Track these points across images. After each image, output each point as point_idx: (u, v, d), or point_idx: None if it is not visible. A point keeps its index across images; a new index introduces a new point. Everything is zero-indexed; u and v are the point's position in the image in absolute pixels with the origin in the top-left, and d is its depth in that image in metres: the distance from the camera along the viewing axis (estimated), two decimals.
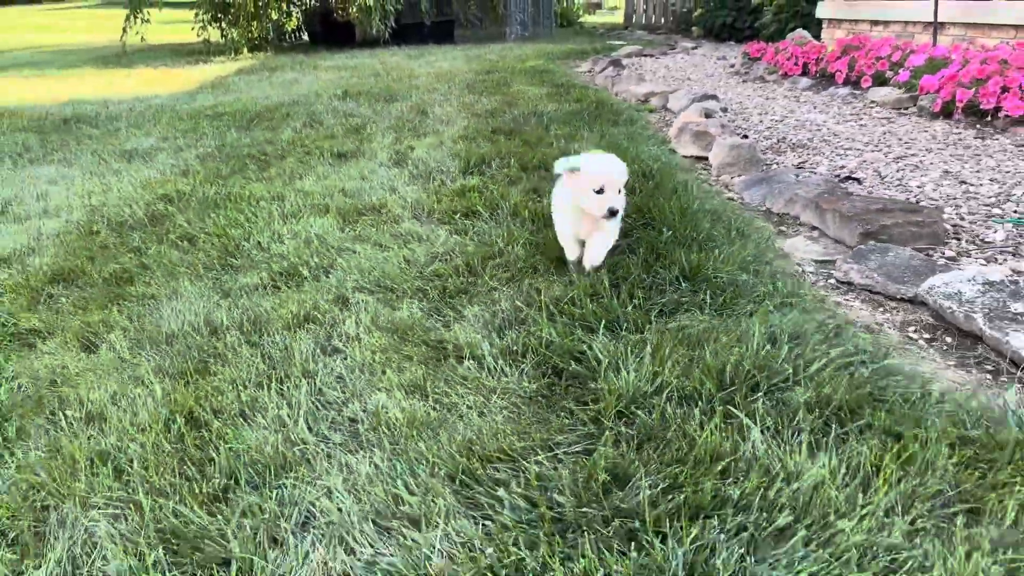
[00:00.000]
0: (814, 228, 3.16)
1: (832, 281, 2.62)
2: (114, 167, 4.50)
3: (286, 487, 1.48)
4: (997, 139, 4.65)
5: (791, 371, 1.71)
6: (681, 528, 1.28)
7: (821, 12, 8.62)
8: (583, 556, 1.23)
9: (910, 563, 1.18)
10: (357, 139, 4.71)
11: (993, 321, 2.14)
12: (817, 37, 8.60)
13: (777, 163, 4.17)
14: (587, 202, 2.26)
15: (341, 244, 2.84)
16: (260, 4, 11.22)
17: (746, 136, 4.74)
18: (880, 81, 6.26)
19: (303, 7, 12.26)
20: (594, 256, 2.35)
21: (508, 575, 1.22)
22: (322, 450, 1.59)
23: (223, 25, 11.65)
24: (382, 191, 3.52)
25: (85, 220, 3.40)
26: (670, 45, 11.75)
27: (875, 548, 1.22)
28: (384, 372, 1.87)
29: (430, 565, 1.20)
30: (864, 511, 1.28)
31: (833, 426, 1.53)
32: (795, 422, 1.54)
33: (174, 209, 3.43)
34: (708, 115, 5.10)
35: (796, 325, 1.94)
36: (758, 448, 1.46)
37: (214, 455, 1.57)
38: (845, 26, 8.14)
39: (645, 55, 10.08)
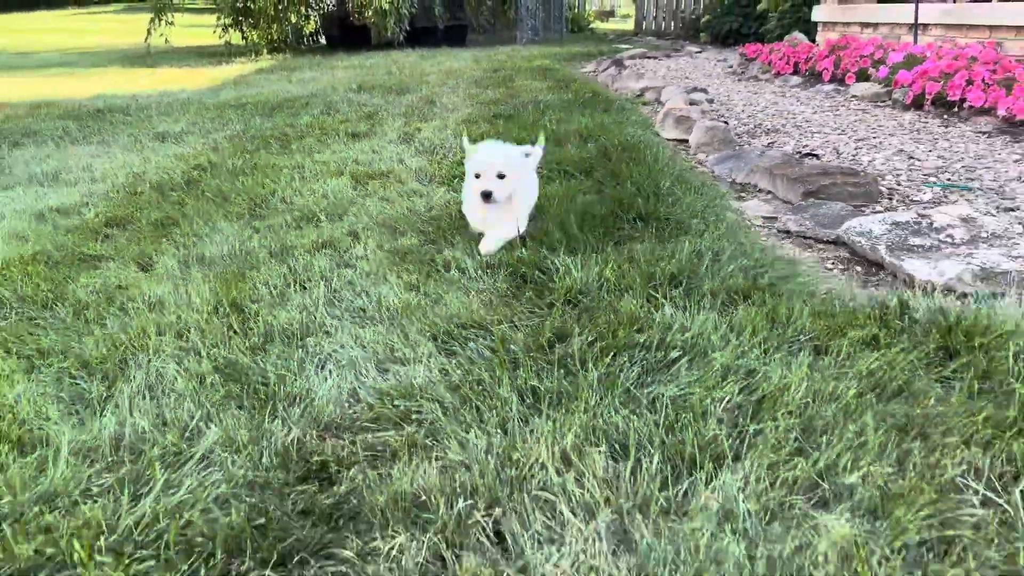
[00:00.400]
0: (769, 192, 3.65)
1: (774, 231, 3.09)
2: (149, 146, 5.05)
3: (310, 344, 1.99)
4: (959, 126, 5.11)
5: (705, 273, 2.20)
6: (599, 361, 1.78)
7: (816, 16, 9.11)
8: (525, 375, 1.73)
9: (758, 377, 1.67)
10: (369, 123, 5.25)
11: (893, 251, 2.62)
12: (813, 40, 9.09)
13: (749, 144, 4.66)
14: (468, 185, 2.57)
15: (353, 198, 3.35)
16: (280, 8, 11.86)
17: (726, 122, 5.23)
18: (863, 77, 6.73)
19: (321, 11, 12.90)
20: (487, 244, 2.54)
21: (471, 386, 1.72)
22: (337, 325, 2.10)
23: (243, 28, 12.30)
24: (390, 161, 4.04)
25: (129, 183, 3.95)
26: (675, 49, 12.27)
27: (737, 369, 1.71)
28: (386, 278, 2.37)
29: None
30: (732, 347, 1.77)
31: (727, 304, 2.02)
32: (699, 301, 2.03)
33: (207, 175, 3.97)
34: (693, 104, 5.59)
35: (719, 247, 2.42)
36: (666, 315, 1.95)
37: (253, 325, 2.08)
38: (838, 28, 8.62)
39: (648, 57, 10.59)
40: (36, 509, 1.36)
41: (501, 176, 2.47)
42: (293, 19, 12.12)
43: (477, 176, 2.48)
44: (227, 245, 2.78)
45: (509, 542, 1.29)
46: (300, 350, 1.95)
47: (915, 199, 3.38)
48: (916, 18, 6.98)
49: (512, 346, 1.88)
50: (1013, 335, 1.79)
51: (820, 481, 1.39)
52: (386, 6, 10.91)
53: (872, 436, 1.46)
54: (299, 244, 2.73)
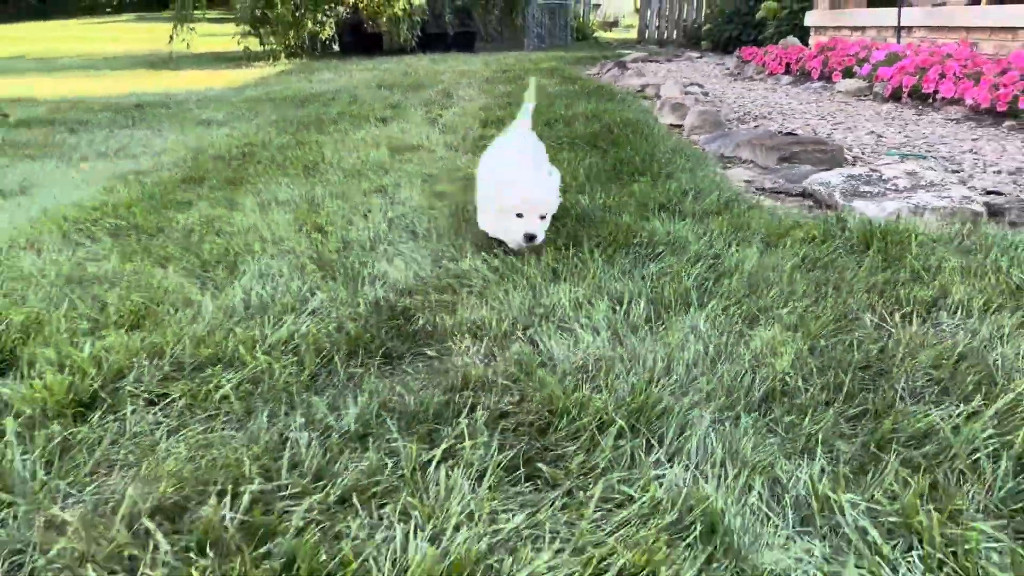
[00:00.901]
0: (751, 162, 4.28)
1: (752, 189, 3.72)
2: (196, 131, 5.70)
3: (379, 249, 2.61)
4: (930, 114, 5.75)
5: (688, 202, 2.83)
6: (603, 253, 2.40)
7: (809, 21, 9.79)
8: (547, 261, 2.35)
9: (721, 259, 2.30)
10: (394, 111, 5.90)
11: (846, 196, 3.25)
12: (806, 44, 9.76)
13: (737, 127, 5.30)
14: (505, 221, 2.39)
15: (392, 163, 3.99)
16: (297, 15, 12.58)
17: (718, 109, 5.87)
18: (848, 75, 7.39)
19: (336, 18, 13.63)
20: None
21: (507, 268, 2.34)
22: (397, 238, 2.72)
23: (261, 34, 13.03)
24: (419, 138, 4.69)
25: (191, 155, 4.59)
26: (676, 55, 12.96)
27: (706, 255, 2.34)
28: (431, 209, 3.01)
29: None
30: (703, 241, 2.40)
31: (702, 219, 2.65)
32: (682, 218, 2.66)
33: (259, 149, 4.61)
34: (688, 95, 6.24)
35: (701, 187, 3.06)
36: (655, 226, 2.58)
37: (332, 239, 2.70)
38: (829, 32, 9.29)
39: (650, 61, 11.28)
40: (202, 332, 1.98)
41: (543, 217, 2.37)
42: (310, 25, 12.83)
43: (519, 216, 2.33)
44: (295, 191, 3.42)
45: (540, 345, 1.91)
46: (373, 252, 2.57)
47: (873, 165, 4.01)
48: (899, 21, 7.65)
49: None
50: (918, 235, 2.41)
51: (759, 315, 2.01)
52: (399, 13, 11.62)
53: (799, 288, 2.09)
54: (356, 191, 3.37)
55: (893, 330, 1.89)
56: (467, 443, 1.44)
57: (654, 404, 1.55)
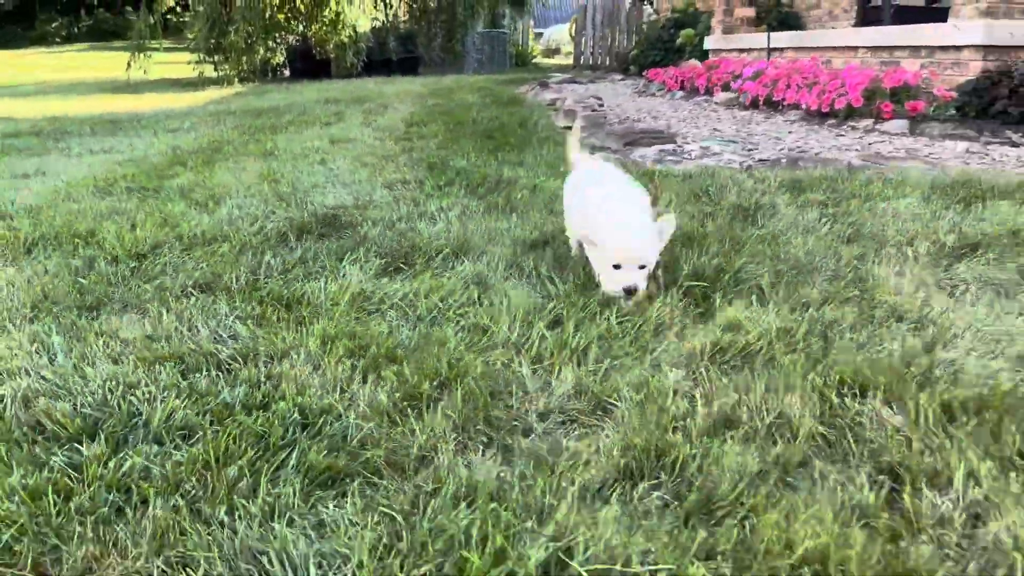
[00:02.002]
0: (608, 147, 5.73)
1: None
2: (170, 136, 6.98)
3: (316, 191, 3.96)
4: (775, 117, 7.31)
5: (536, 163, 4.25)
6: (465, 187, 3.79)
7: (707, 45, 11.49)
8: (440, 191, 3.74)
9: (539, 186, 3.71)
10: (337, 118, 7.27)
11: (654, 163, 4.70)
12: None
13: (614, 125, 6.78)
14: (600, 269, 2.30)
15: (332, 149, 5.35)
16: (249, 42, 13.93)
17: (605, 116, 7.36)
18: (726, 89, 8.99)
19: (286, 45, 15.02)
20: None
21: (404, 189, 3.72)
22: (328, 185, 4.07)
23: (216, 60, 14.33)
24: (355, 134, 6.06)
25: (169, 150, 5.88)
26: (601, 77, 14.60)
27: (528, 185, 3.74)
28: (357, 171, 4.37)
29: None
30: (531, 180, 3.81)
31: (540, 170, 4.07)
32: (526, 170, 4.07)
33: (225, 144, 5.92)
34: (583, 105, 7.74)
35: (555, 157, 4.48)
36: (503, 173, 3.98)
37: (286, 184, 4.04)
38: (723, 54, 10.97)
39: (574, 82, 12.85)
40: (206, 227, 3.29)
41: (642, 267, 2.21)
42: (261, 52, 14.19)
43: (617, 267, 2.21)
44: (257, 165, 4.75)
45: (417, 226, 3.26)
46: (313, 191, 3.92)
47: (683, 145, 5.49)
48: (768, 43, 9.31)
49: (425, 185, 3.89)
50: (690, 174, 3.85)
51: (552, 213, 3.40)
52: (345, 40, 13.06)
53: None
54: (302, 163, 4.72)
55: None
56: (361, 252, 2.78)
57: (469, 239, 2.92)
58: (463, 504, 1.41)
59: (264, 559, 1.31)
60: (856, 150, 5.14)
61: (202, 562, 1.30)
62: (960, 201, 3.27)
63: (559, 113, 7.29)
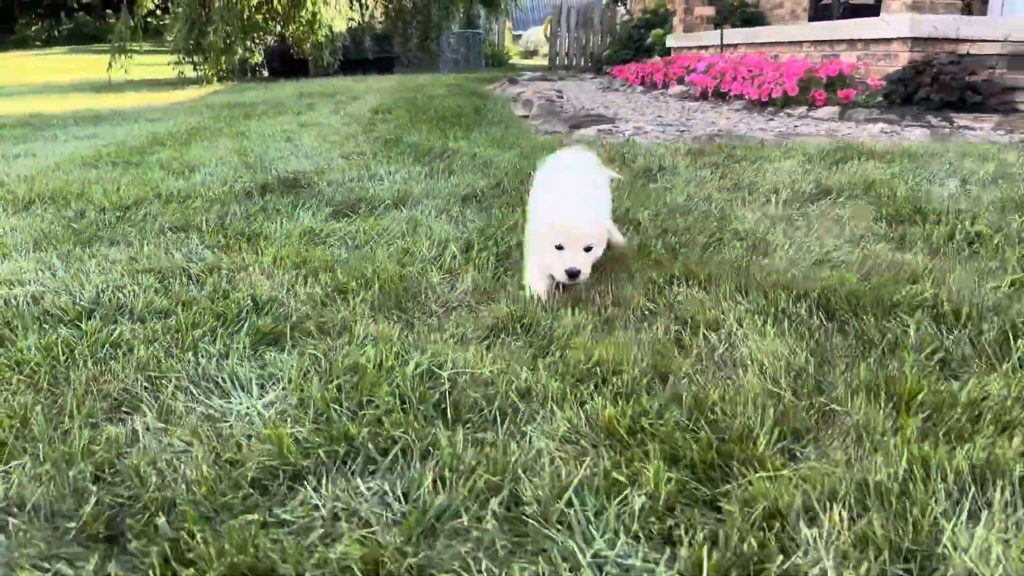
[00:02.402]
0: (557, 131, 6.30)
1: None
2: (150, 125, 7.48)
3: (280, 160, 4.49)
4: (721, 107, 7.89)
5: (482, 138, 4.80)
6: (414, 156, 4.34)
7: (669, 42, 12.11)
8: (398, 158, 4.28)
9: (478, 155, 4.26)
10: (308, 107, 7.81)
11: (590, 140, 5.26)
12: None
13: (568, 113, 7.35)
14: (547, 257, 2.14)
15: (300, 131, 5.88)
16: (228, 42, 14.42)
17: (561, 106, 7.93)
18: (680, 83, 9.58)
19: (264, 45, 15.52)
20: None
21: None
22: (291, 156, 4.61)
23: (195, 60, 14.82)
24: (323, 120, 6.59)
25: (149, 135, 6.38)
26: (573, 76, 15.18)
27: (468, 153, 4.30)
28: (321, 146, 4.91)
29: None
30: (477, 150, 4.36)
31: (487, 145, 4.63)
32: (470, 144, 4.63)
33: (201, 129, 6.44)
34: (542, 97, 8.31)
35: (506, 135, 5.03)
36: (448, 144, 4.53)
37: (254, 157, 4.57)
38: (683, 51, 11.58)
39: (544, 79, 13.43)
40: (182, 187, 3.82)
41: (588, 249, 2.11)
42: (240, 52, 14.69)
43: (559, 247, 2.09)
44: (229, 144, 5.28)
45: (368, 186, 3.81)
46: (278, 161, 4.45)
47: (620, 126, 6.06)
48: (722, 39, 9.92)
49: (379, 155, 4.43)
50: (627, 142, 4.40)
51: (490, 169, 3.96)
52: (322, 40, 13.60)
53: (513, 157, 4.05)
54: (271, 141, 5.25)
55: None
56: (315, 203, 3.32)
57: (409, 193, 3.46)
58: (369, 344, 1.94)
59: (219, 379, 1.84)
60: (780, 131, 5.72)
61: (173, 379, 1.83)
62: (835, 163, 3.84)
63: (518, 103, 7.86)
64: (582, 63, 20.09)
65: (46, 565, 1.21)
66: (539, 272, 2.23)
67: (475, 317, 2.15)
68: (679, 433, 1.46)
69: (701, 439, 1.43)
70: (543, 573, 1.15)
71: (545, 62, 24.26)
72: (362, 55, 15.30)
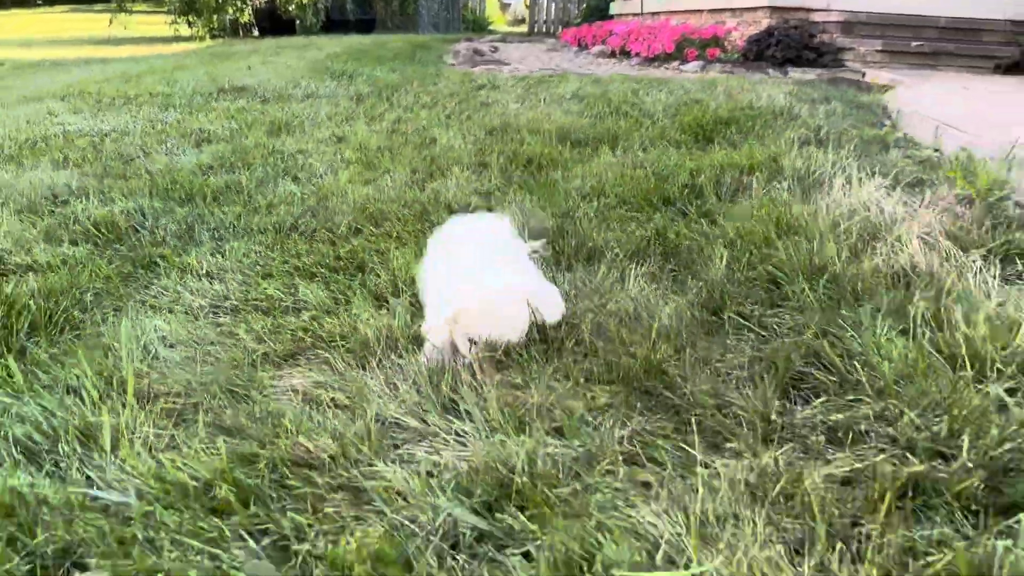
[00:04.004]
0: (465, 66, 8.41)
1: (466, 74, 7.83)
2: (145, 63, 9.62)
3: (250, 72, 6.64)
4: (623, 62, 9.95)
5: (407, 69, 6.94)
6: (350, 77, 6.49)
7: (612, 10, 14.17)
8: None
9: (406, 87, 6.40)
10: (276, 54, 9.93)
11: (485, 71, 7.39)
12: None
13: (485, 58, 9.45)
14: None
15: (259, 66, 8.01)
16: (220, 2, 16.53)
17: (481, 54, 10.02)
18: (601, 43, 11.65)
19: (253, 5, 17.61)
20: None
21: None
22: (247, 76, 6.75)
23: (190, 18, 16.94)
24: (284, 61, 8.72)
25: (145, 68, 8.52)
26: (538, 41, 17.20)
27: (401, 84, 6.45)
28: (268, 71, 7.05)
29: None
30: (404, 79, 6.51)
31: (412, 77, 6.77)
32: (400, 75, 6.77)
33: (188, 67, 8.58)
34: (476, 51, 10.41)
35: (426, 70, 7.16)
36: (376, 75, 6.66)
37: (218, 79, 6.72)
38: (623, 18, 13.62)
39: (506, 42, 15.48)
40: (168, 92, 5.97)
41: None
42: (231, 11, 16.79)
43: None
44: (205, 71, 7.42)
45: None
46: (238, 81, 6.60)
47: (517, 67, 8.18)
48: (642, 7, 11.99)
49: (307, 76, 6.57)
50: (476, 74, 6.53)
51: (435, 101, 6.09)
52: (306, 1, 15.69)
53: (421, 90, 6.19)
54: (236, 71, 7.39)
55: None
56: (250, 97, 5.46)
57: (315, 93, 5.61)
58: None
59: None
60: (631, 74, 7.81)
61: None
62: (609, 83, 5.94)
63: (450, 54, 9.98)
64: (558, 31, 22.11)
65: None
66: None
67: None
68: None
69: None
70: None
71: (525, 29, 26.24)
72: (345, 16, 17.37)
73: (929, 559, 1.06)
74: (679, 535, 1.15)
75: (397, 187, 3.10)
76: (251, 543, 1.19)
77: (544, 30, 22.50)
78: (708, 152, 3.49)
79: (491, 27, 23.06)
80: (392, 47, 10.91)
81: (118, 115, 4.82)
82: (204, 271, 2.32)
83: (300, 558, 1.16)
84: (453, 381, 1.63)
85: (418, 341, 1.82)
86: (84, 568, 1.17)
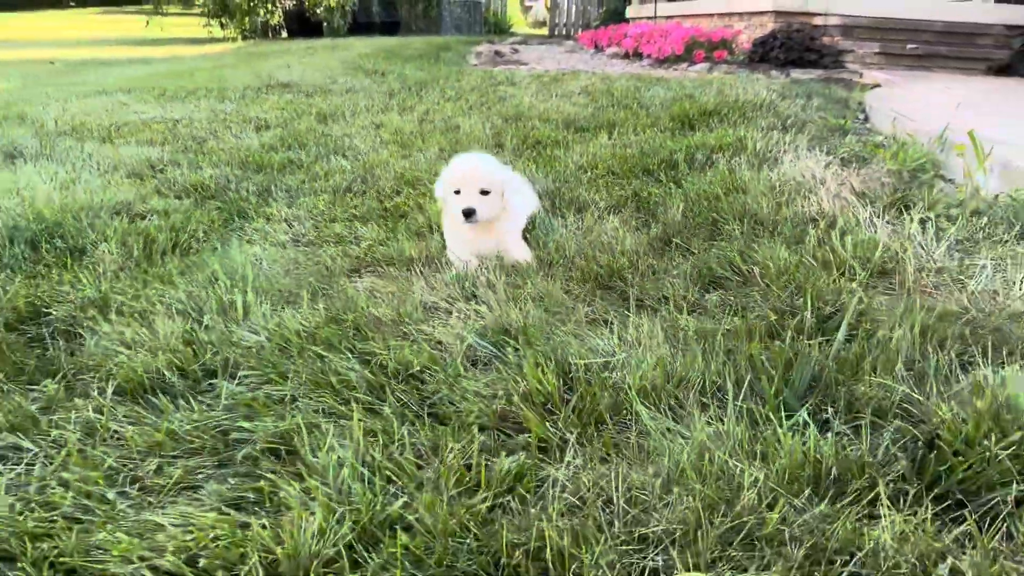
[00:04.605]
0: (487, 66, 9.17)
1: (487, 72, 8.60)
2: (189, 61, 10.47)
3: (280, 76, 7.44)
4: (635, 63, 10.68)
5: (433, 66, 7.72)
6: (383, 76, 7.28)
7: (628, 13, 14.89)
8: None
9: (421, 85, 7.19)
10: (310, 54, 10.75)
11: (496, 69, 8.16)
12: None
13: (505, 59, 10.21)
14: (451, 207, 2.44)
15: (296, 64, 8.82)
16: (252, 4, 17.44)
17: (502, 55, 10.78)
18: (616, 45, 12.39)
19: (283, 8, 18.51)
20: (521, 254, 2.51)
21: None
22: (288, 74, 7.55)
23: (223, 20, 17.87)
24: (319, 60, 9.53)
25: (192, 64, 9.36)
26: (557, 43, 17.96)
27: (433, 80, 7.23)
28: (305, 68, 7.85)
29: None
30: (436, 76, 7.29)
31: (439, 78, 7.55)
32: (428, 73, 7.55)
33: (228, 65, 9.40)
34: (497, 53, 11.19)
35: (450, 69, 7.94)
36: (404, 72, 7.45)
37: (262, 75, 7.53)
38: (638, 21, 14.34)
39: (526, 44, 16.25)
40: (221, 85, 6.78)
41: (485, 192, 2.41)
42: (261, 13, 17.70)
43: (457, 192, 2.40)
44: (248, 69, 8.23)
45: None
46: (280, 78, 7.40)
47: (534, 66, 8.93)
48: (655, 11, 12.70)
49: (343, 74, 7.36)
50: (496, 72, 7.29)
51: (444, 90, 6.87)
52: (334, 4, 16.56)
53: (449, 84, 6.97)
54: (277, 69, 8.20)
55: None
56: (295, 91, 6.25)
57: (353, 88, 6.38)
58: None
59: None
60: (636, 74, 8.53)
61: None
62: (616, 81, 6.66)
63: (473, 54, 10.75)
64: (578, 33, 22.85)
65: None
66: (457, 247, 2.55)
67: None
68: None
69: None
70: None
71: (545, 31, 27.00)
72: (370, 19, 18.23)
73: (778, 348, 1.77)
74: (613, 346, 1.88)
75: (428, 161, 3.84)
76: (348, 355, 1.93)
77: (564, 32, 23.26)
78: (689, 136, 4.20)
79: (512, 29, 23.86)
80: (417, 48, 11.70)
81: (183, 106, 5.61)
82: (283, 218, 3.07)
83: (379, 362, 1.89)
84: (472, 283, 2.37)
85: (447, 260, 2.56)
86: (236, 375, 1.91)
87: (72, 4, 33.76)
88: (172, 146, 4.36)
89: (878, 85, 7.72)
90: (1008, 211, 2.90)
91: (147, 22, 17.94)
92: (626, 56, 11.39)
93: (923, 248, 2.45)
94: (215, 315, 2.18)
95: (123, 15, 27.51)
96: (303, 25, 18.37)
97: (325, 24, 17.85)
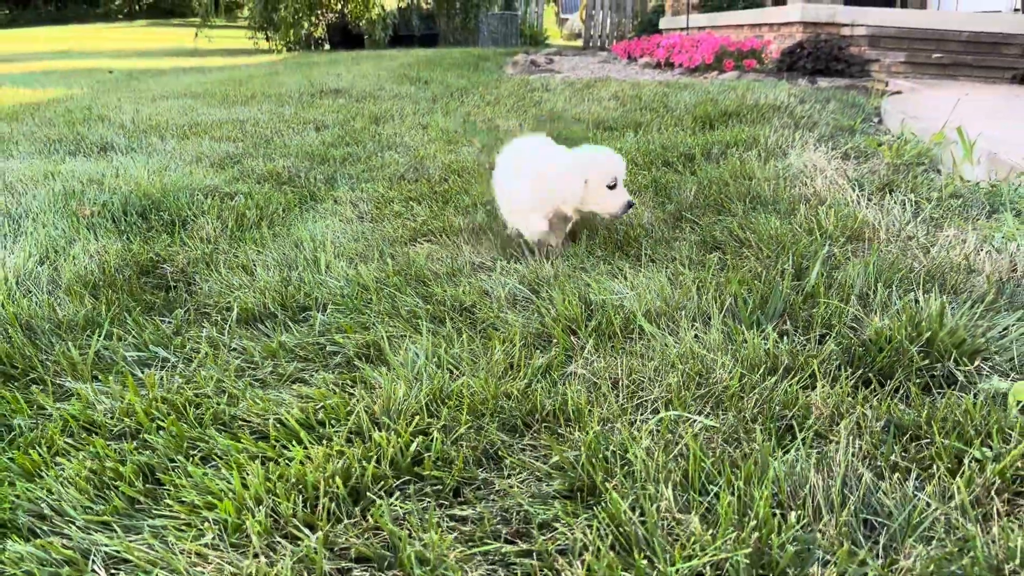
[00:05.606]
0: (524, 74, 9.72)
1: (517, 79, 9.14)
2: (241, 71, 11.15)
3: (336, 75, 8.05)
4: (666, 72, 11.17)
5: (475, 75, 8.28)
6: (427, 84, 7.86)
7: (661, 25, 15.37)
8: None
9: (473, 89, 7.75)
10: (356, 64, 11.39)
11: (532, 76, 8.70)
12: None
13: (540, 67, 10.75)
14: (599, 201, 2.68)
15: (345, 73, 9.44)
16: (296, 17, 18.23)
17: (538, 65, 11.33)
18: (649, 56, 12.88)
19: (326, 21, 19.31)
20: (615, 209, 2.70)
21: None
22: (337, 80, 8.15)
23: (268, 33, 18.69)
24: (365, 69, 10.15)
25: (246, 73, 10.03)
26: (592, 54, 18.50)
27: (472, 85, 7.79)
28: (354, 76, 8.46)
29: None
30: (473, 84, 7.85)
31: (493, 72, 8.11)
32: (469, 81, 8.12)
33: (280, 72, 10.05)
34: (533, 63, 11.74)
35: (489, 76, 8.50)
36: (449, 80, 8.02)
37: (314, 82, 8.14)
38: (671, 32, 14.82)
39: (561, 55, 16.80)
40: (278, 91, 7.40)
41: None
42: (305, 26, 18.49)
43: (611, 186, 2.66)
44: (299, 77, 8.86)
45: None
46: (331, 84, 8.00)
47: (568, 74, 9.45)
48: (687, 23, 13.17)
49: (390, 81, 7.94)
50: (532, 79, 7.83)
51: (476, 93, 7.43)
52: (375, 17, 17.28)
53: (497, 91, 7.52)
54: (326, 76, 8.82)
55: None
56: (347, 97, 6.83)
57: (400, 94, 6.95)
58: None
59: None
60: (665, 81, 9.00)
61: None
62: (645, 87, 7.15)
63: (510, 64, 11.31)
64: (613, 44, 23.34)
65: None
66: (535, 227, 2.77)
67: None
68: None
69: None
70: None
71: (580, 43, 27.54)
72: (410, 31, 18.93)
73: (757, 285, 2.25)
74: (627, 290, 2.37)
75: (472, 154, 4.36)
76: (413, 295, 2.44)
77: (598, 44, 23.78)
78: (708, 134, 4.68)
79: (547, 41, 24.44)
80: (456, 58, 12.29)
81: (246, 109, 6.21)
82: (348, 200, 3.61)
83: (437, 298, 2.40)
84: (515, 249, 2.88)
85: (491, 230, 3.07)
86: (325, 309, 2.42)
87: (120, 17, 35.10)
88: (243, 142, 4.93)
89: (899, 92, 8.11)
90: (986, 196, 3.34)
91: (196, 34, 18.79)
92: (658, 66, 11.87)
93: (898, 221, 2.90)
94: (303, 269, 2.70)
95: (169, 27, 28.63)
96: (345, 37, 19.13)
97: (367, 36, 18.58)
